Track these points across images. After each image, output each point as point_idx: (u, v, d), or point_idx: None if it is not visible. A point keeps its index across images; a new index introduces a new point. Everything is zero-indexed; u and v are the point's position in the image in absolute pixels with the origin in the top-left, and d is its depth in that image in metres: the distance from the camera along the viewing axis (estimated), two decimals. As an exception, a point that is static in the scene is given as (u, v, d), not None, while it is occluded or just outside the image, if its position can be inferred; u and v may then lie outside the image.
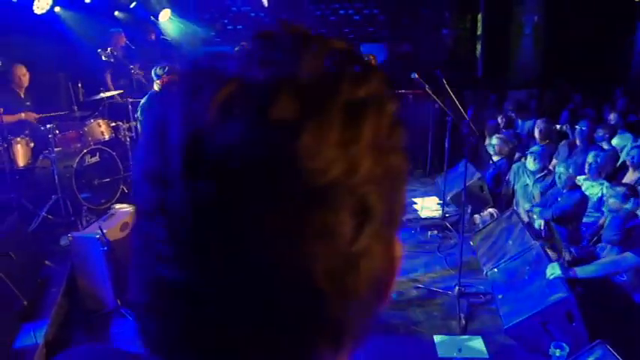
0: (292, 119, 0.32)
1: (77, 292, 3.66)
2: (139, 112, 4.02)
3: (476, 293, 3.77)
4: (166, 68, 4.07)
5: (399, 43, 9.48)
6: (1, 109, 4.84)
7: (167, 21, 7.62)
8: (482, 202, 5.37)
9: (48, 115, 5.06)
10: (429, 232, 4.98)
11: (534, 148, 5.07)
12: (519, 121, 7.24)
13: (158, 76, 4.04)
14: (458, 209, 5.51)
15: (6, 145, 4.42)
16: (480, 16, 8.83)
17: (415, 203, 5.83)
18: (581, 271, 3.17)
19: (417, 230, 5.05)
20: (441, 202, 5.62)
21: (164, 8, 7.38)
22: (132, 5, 7.25)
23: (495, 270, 3.75)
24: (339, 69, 0.34)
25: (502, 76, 8.80)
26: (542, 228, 4.41)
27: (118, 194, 4.90)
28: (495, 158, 5.92)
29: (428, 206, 5.61)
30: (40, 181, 4.52)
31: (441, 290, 3.84)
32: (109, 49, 5.23)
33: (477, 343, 3.22)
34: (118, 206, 4.25)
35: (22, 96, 5.05)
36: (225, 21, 9.95)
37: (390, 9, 9.48)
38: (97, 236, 3.47)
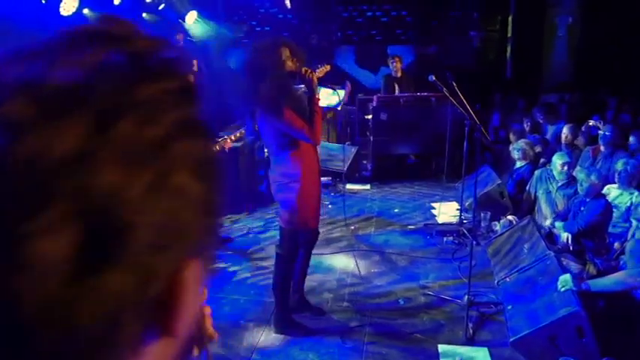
0: (20, 121, 0.29)
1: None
2: None
3: (486, 303, 3.66)
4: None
5: (427, 45, 9.34)
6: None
7: (193, 23, 7.76)
8: (502, 208, 5.22)
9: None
10: (445, 238, 4.87)
11: (561, 154, 4.89)
12: (548, 126, 7.01)
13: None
14: (477, 216, 5.38)
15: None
16: (510, 18, 8.60)
17: (433, 208, 5.72)
18: (595, 284, 3.02)
19: (433, 236, 4.95)
20: (460, 207, 5.51)
21: (191, 10, 7.52)
22: (160, 7, 7.41)
23: (507, 279, 3.63)
24: (106, 72, 0.32)
25: (533, 80, 8.54)
26: (569, 242, 4.23)
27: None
28: (519, 164, 5.75)
29: (446, 212, 5.49)
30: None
31: (450, 298, 3.75)
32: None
33: (482, 355, 3.12)
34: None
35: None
36: (254, 23, 10.05)
37: (419, 11, 9.35)
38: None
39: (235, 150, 5.97)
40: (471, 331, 3.36)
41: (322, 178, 6.66)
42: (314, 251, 4.65)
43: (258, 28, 10.11)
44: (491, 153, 7.32)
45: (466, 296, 3.65)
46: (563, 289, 3.03)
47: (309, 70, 2.92)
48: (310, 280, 4.16)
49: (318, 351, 3.23)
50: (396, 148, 6.90)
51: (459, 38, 8.80)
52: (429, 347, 3.24)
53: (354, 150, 6.85)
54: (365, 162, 7.08)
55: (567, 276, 3.06)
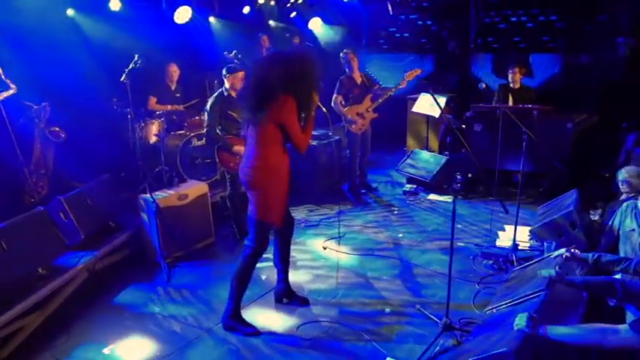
0: None
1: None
2: (208, 105, 4.75)
3: (464, 330, 3.36)
4: (231, 68, 4.72)
5: (576, 53, 8.25)
6: (155, 98, 6.29)
7: (318, 28, 8.41)
8: (571, 240, 4.50)
9: (190, 103, 6.35)
10: (485, 262, 4.47)
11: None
12: None
13: (224, 76, 4.73)
14: (539, 245, 4.73)
15: (143, 125, 5.75)
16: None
17: (504, 230, 5.21)
18: (554, 331, 2.57)
19: (477, 257, 4.58)
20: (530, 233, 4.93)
21: (314, 17, 8.16)
22: (292, 15, 8.23)
23: (494, 311, 3.26)
24: None
25: None
26: None
27: (218, 174, 5.79)
28: (625, 195, 4.84)
29: (508, 236, 4.96)
30: (158, 155, 5.71)
31: (433, 318, 3.53)
32: (233, 51, 6.17)
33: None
34: (191, 181, 5.11)
35: (173, 88, 6.41)
36: (393, 29, 10.21)
37: (571, 15, 8.30)
38: (150, 199, 4.34)
39: (317, 148, 6.40)
40: (431, 354, 3.17)
41: (407, 185, 6.65)
42: (346, 250, 4.82)
43: (397, 35, 10.24)
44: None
45: (444, 319, 3.42)
46: (516, 328, 2.66)
47: (316, 93, 3.33)
48: (320, 270, 4.38)
49: (274, 331, 3.46)
50: (491, 162, 6.37)
51: (608, 46, 7.53)
52: (379, 358, 3.17)
53: (443, 160, 6.59)
54: (458, 174, 6.71)
55: (523, 314, 2.67)
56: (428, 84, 6.53)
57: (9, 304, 3.29)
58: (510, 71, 6.89)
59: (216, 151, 4.82)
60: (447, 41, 9.77)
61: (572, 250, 3.67)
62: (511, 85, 6.87)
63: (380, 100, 6.20)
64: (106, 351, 3.30)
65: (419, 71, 6.24)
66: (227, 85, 4.76)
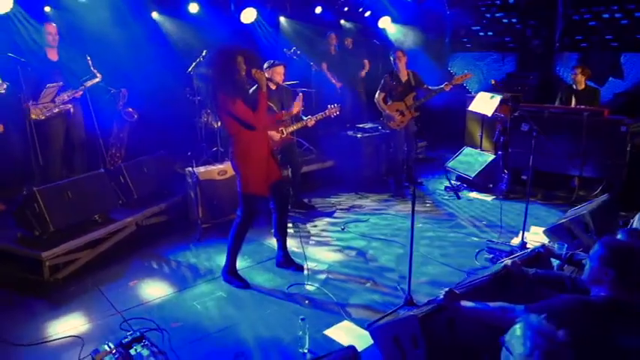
0: None
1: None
2: None
3: (420, 306, 3.57)
4: (271, 63, 5.32)
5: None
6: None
7: (389, 27, 8.71)
8: (583, 244, 4.35)
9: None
10: (486, 256, 4.54)
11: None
12: None
13: (264, 69, 5.34)
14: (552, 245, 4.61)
15: (208, 111, 6.66)
16: None
17: (528, 231, 5.14)
18: (467, 305, 2.76)
19: (483, 250, 4.65)
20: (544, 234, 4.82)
21: (385, 15, 8.48)
22: (366, 14, 8.66)
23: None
24: None
25: None
26: None
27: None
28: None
29: (529, 235, 4.91)
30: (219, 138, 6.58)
31: (402, 294, 3.80)
32: (292, 48, 6.80)
33: (363, 337, 3.29)
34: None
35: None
36: (477, 28, 10.06)
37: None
38: (192, 171, 5.16)
39: (362, 141, 6.79)
40: (381, 322, 3.47)
41: (452, 181, 6.74)
42: (361, 232, 5.20)
43: (481, 33, 10.08)
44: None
45: (407, 294, 3.68)
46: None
47: (256, 71, 3.74)
48: (328, 245, 4.84)
49: (262, 286, 4.03)
50: (539, 164, 6.18)
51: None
52: (339, 319, 3.56)
53: (489, 159, 6.54)
54: (504, 174, 6.61)
55: (449, 289, 2.89)
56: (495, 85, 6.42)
57: (69, 238, 4.30)
58: (572, 72, 6.60)
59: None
60: (530, 40, 9.40)
61: (578, 252, 3.69)
62: (574, 86, 6.55)
63: (422, 99, 6.36)
64: (130, 284, 4.14)
65: (469, 75, 6.28)
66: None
